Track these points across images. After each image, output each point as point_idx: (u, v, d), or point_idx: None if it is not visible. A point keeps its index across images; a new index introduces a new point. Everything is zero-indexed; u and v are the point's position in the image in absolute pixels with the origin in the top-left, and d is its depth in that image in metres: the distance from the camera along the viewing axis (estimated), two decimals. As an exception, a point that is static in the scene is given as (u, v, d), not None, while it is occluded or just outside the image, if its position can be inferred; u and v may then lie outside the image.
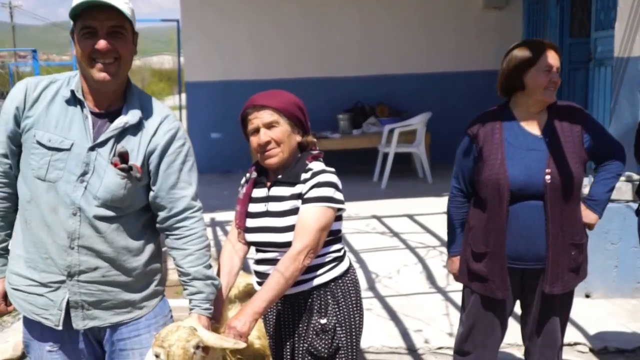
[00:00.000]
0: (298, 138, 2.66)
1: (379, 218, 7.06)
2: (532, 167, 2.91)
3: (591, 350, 4.28)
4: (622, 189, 5.08)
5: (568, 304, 3.14)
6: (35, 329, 2.40)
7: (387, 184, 8.60)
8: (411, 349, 4.32)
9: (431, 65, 9.96)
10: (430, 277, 5.37)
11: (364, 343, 4.22)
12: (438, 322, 4.55)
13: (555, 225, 2.91)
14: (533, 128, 2.98)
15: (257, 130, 2.60)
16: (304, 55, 9.94)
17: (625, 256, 4.99)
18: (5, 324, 4.95)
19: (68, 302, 2.32)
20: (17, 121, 2.31)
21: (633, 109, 5.66)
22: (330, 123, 9.28)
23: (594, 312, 4.77)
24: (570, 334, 4.34)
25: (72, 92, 2.30)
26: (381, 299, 5.03)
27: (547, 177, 2.88)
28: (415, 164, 9.29)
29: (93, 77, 2.23)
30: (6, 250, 2.45)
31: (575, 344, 4.32)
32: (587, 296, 5.03)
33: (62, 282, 2.31)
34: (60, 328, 2.32)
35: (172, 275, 5.63)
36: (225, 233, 6.25)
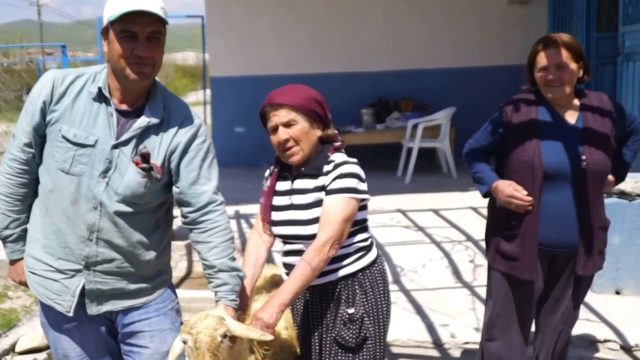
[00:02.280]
0: (318, 133, 2.66)
1: (403, 212, 7.04)
2: (568, 152, 2.96)
3: (622, 347, 4.23)
4: (654, 187, 5.05)
5: (589, 284, 3.29)
6: (51, 310, 2.49)
7: (411, 179, 8.60)
8: (437, 343, 4.31)
9: (455, 60, 9.96)
10: (456, 272, 5.35)
11: (390, 336, 4.22)
12: (464, 316, 4.53)
13: (587, 210, 3.00)
14: (568, 115, 3.04)
15: (276, 129, 2.62)
16: (328, 50, 9.97)
17: None
18: (33, 312, 5.04)
19: (82, 290, 2.41)
20: (44, 114, 2.37)
21: (663, 103, 5.60)
22: (354, 117, 9.31)
23: (625, 309, 4.72)
24: (601, 331, 4.36)
25: (100, 89, 2.35)
26: (406, 293, 5.03)
27: (584, 163, 2.94)
28: (439, 159, 9.28)
29: (127, 76, 2.29)
30: (25, 232, 2.53)
31: (606, 341, 4.28)
32: (618, 293, 4.97)
33: (79, 270, 2.41)
34: (70, 314, 2.43)
35: (197, 267, 5.68)
36: (250, 226, 6.26)
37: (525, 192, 2.98)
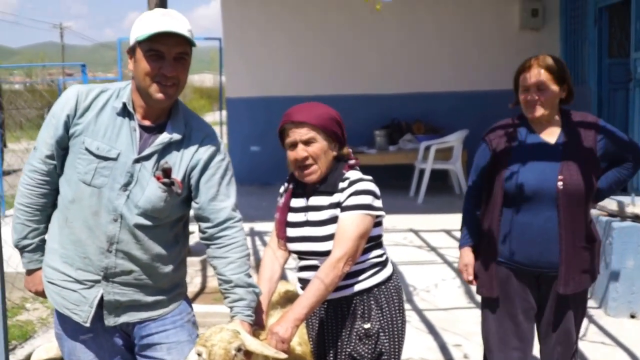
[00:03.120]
0: (334, 152, 2.70)
1: (416, 232, 7.09)
2: (545, 174, 3.02)
3: None
4: (670, 210, 5.10)
5: (581, 305, 3.23)
6: (68, 320, 2.50)
7: (423, 200, 8.66)
8: None
9: (468, 84, 10.06)
10: (469, 292, 5.37)
11: (403, 355, 4.29)
12: (477, 337, 4.45)
13: (568, 229, 3.02)
14: (547, 136, 3.10)
15: (294, 145, 2.65)
16: (342, 73, 10.10)
17: None
18: (49, 324, 5.12)
19: (100, 301, 2.43)
20: (67, 127, 2.41)
21: (673, 128, 5.66)
22: (367, 139, 9.42)
23: (639, 333, 4.74)
24: (617, 355, 4.39)
25: (124, 104, 2.40)
26: (419, 312, 5.06)
27: (560, 183, 2.98)
28: (451, 181, 9.33)
29: (151, 95, 2.35)
30: (43, 242, 2.56)
31: None
32: (633, 316, 5.01)
33: (97, 281, 2.42)
34: (88, 325, 2.44)
35: (211, 283, 5.75)
36: (264, 243, 6.33)
37: (471, 276, 3.26)
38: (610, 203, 5.23)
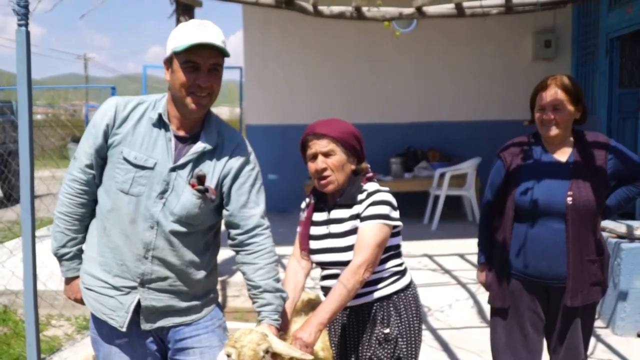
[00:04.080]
0: (353, 166, 2.84)
1: (430, 256, 7.19)
2: (555, 190, 3.12)
3: None
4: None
5: (590, 318, 3.30)
6: (104, 325, 2.58)
7: (437, 226, 8.75)
8: None
9: (482, 114, 10.15)
10: (481, 312, 5.47)
11: None
12: (489, 354, 4.65)
13: (575, 244, 3.10)
14: (559, 155, 3.20)
15: (315, 157, 2.79)
16: (359, 102, 10.21)
17: None
18: (75, 340, 5.28)
19: (138, 305, 2.52)
20: (106, 137, 2.49)
21: (682, 155, 5.77)
22: (384, 166, 9.49)
23: None
24: None
25: (160, 115, 2.49)
26: (433, 331, 5.16)
27: (569, 199, 3.08)
28: (465, 207, 9.41)
29: (187, 105, 2.43)
30: (81, 251, 2.65)
31: None
32: (639, 336, 5.08)
33: (134, 287, 2.51)
34: (124, 330, 2.52)
35: (232, 302, 5.90)
36: (282, 267, 6.48)
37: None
38: (619, 226, 5.35)
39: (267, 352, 2.37)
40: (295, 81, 10.28)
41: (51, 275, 6.06)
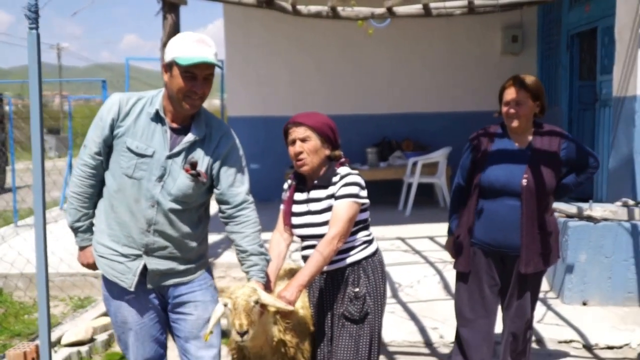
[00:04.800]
0: (327, 152, 3.27)
1: (402, 239, 7.68)
2: (513, 172, 3.63)
3: (584, 346, 4.88)
4: (618, 212, 5.75)
5: (537, 283, 3.84)
6: (114, 285, 3.01)
7: (411, 212, 9.22)
8: (428, 343, 4.95)
9: (453, 105, 10.59)
10: (447, 287, 5.99)
11: (388, 338, 4.89)
12: (452, 321, 5.02)
13: (528, 219, 3.61)
14: (520, 143, 3.71)
15: (294, 142, 3.23)
16: (337, 94, 10.57)
17: (617, 268, 5.59)
18: (76, 313, 5.66)
19: (144, 269, 2.94)
20: (112, 129, 2.87)
21: (628, 142, 6.34)
22: (360, 156, 9.92)
23: (589, 317, 5.35)
24: (566, 334, 5.02)
25: (157, 111, 2.87)
26: (403, 305, 5.65)
27: (524, 181, 3.60)
28: (436, 194, 9.89)
29: (182, 106, 2.82)
30: (91, 225, 3.05)
31: (571, 341, 4.94)
32: (585, 304, 5.63)
33: (139, 255, 2.94)
34: (132, 289, 2.95)
35: (218, 283, 6.35)
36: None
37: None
38: (570, 207, 5.89)
39: (256, 302, 2.82)
40: (276, 74, 10.57)
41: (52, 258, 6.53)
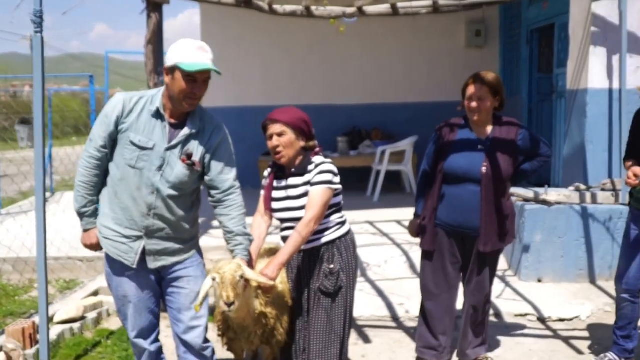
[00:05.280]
0: (302, 143, 3.57)
1: (371, 223, 8.05)
2: (474, 160, 3.98)
3: (538, 319, 5.30)
4: (571, 196, 6.22)
5: (495, 261, 4.24)
6: (116, 263, 3.33)
7: (379, 197, 9.58)
8: (395, 318, 5.32)
9: (420, 96, 10.92)
10: (413, 267, 6.38)
11: (357, 313, 5.19)
12: (417, 297, 5.25)
13: (487, 203, 3.98)
14: (480, 134, 4.06)
15: (271, 137, 3.56)
16: (308, 85, 10.85)
17: (569, 248, 6.04)
18: (66, 293, 5.91)
19: (143, 250, 3.26)
20: (117, 125, 3.17)
21: (581, 132, 6.80)
22: (331, 145, 10.19)
23: (544, 293, 5.78)
24: (523, 308, 5.44)
25: (157, 109, 3.18)
26: (371, 283, 6.02)
27: (484, 168, 3.96)
28: (403, 181, 10.26)
29: (182, 105, 3.14)
30: (96, 210, 3.36)
31: (527, 314, 5.36)
32: (539, 281, 6.07)
33: (140, 237, 3.25)
34: (134, 267, 3.28)
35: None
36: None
37: (417, 236, 4.26)
38: (528, 192, 6.34)
39: (241, 277, 3.16)
40: (250, 67, 10.79)
41: (34, 245, 6.79)
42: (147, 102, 3.24)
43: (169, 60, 3.14)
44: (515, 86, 10.12)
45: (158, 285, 3.44)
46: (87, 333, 5.06)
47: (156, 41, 5.88)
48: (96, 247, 3.43)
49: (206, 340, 3.45)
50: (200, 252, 3.54)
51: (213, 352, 3.51)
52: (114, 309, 5.37)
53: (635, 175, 3.83)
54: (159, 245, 3.30)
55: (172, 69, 3.13)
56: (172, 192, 3.23)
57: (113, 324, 5.31)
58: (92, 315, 5.24)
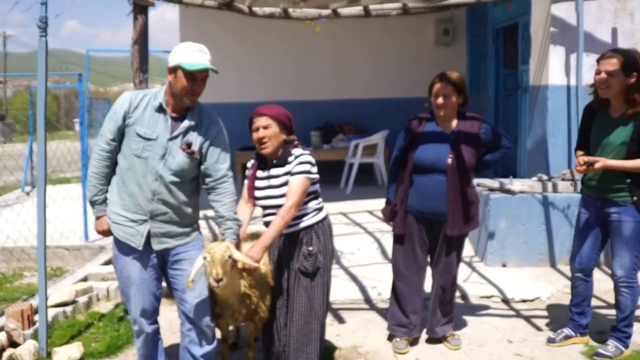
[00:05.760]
0: (284, 136, 3.88)
1: (344, 214, 8.37)
2: (440, 152, 4.30)
3: (502, 300, 5.65)
4: (534, 186, 6.57)
5: (461, 245, 4.56)
6: (123, 246, 3.61)
7: (352, 189, 9.89)
8: (368, 300, 5.61)
9: (390, 92, 11.26)
10: (384, 252, 6.70)
11: (332, 297, 5.25)
12: (388, 281, 5.37)
13: (453, 191, 4.31)
14: (446, 128, 4.39)
15: (257, 129, 3.85)
16: (282, 81, 11.12)
17: (531, 234, 6.40)
18: (56, 279, 6.10)
19: (148, 233, 3.56)
20: (124, 120, 3.49)
21: (543, 125, 7.19)
22: (304, 139, 10.30)
23: (508, 276, 6.12)
24: (488, 290, 5.78)
25: (160, 104, 3.50)
26: (345, 269, 6.31)
27: (449, 159, 4.29)
28: (375, 173, 10.58)
29: (183, 101, 3.45)
30: (106, 198, 3.66)
31: (492, 296, 5.71)
32: (504, 265, 6.42)
33: (145, 220, 3.54)
34: (140, 249, 3.57)
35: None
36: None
37: (389, 221, 4.50)
38: (494, 182, 6.71)
39: (229, 257, 3.44)
40: (227, 63, 10.87)
41: (19, 235, 7.02)
42: (151, 98, 3.55)
43: (172, 60, 3.45)
44: (482, 82, 10.48)
45: (161, 269, 3.71)
46: (79, 316, 5.29)
47: (142, 41, 6.14)
48: (107, 232, 3.70)
49: (210, 320, 3.74)
50: (201, 236, 3.82)
51: (214, 333, 3.80)
52: (104, 293, 5.70)
53: (584, 163, 4.20)
54: (163, 228, 3.58)
55: (175, 69, 3.43)
56: (174, 179, 3.52)
57: (103, 307, 5.55)
58: (83, 299, 5.47)
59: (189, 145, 3.54)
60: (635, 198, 4.16)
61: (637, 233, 4.21)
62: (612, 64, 4.10)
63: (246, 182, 4.00)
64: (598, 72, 4.17)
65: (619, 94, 4.16)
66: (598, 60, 4.21)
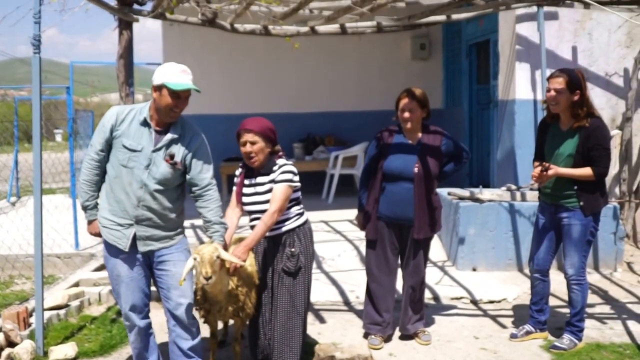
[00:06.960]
0: (269, 149, 4.21)
1: (326, 222, 8.70)
2: (407, 162, 4.66)
3: (471, 301, 6.01)
4: (503, 195, 6.94)
5: (427, 247, 4.92)
6: (112, 248, 3.89)
7: (333, 200, 10.19)
8: (346, 302, 5.95)
9: (370, 105, 11.50)
10: (362, 259, 6.77)
11: (314, 299, 5.66)
12: (365, 285, 5.73)
13: (419, 198, 4.68)
14: (412, 140, 4.75)
15: (245, 144, 4.17)
16: (266, 94, 11.35)
17: (499, 240, 6.77)
18: (51, 284, 6.36)
19: (134, 236, 3.84)
20: (112, 132, 3.79)
21: (511, 138, 7.61)
22: (287, 151, 10.01)
23: (477, 280, 6.48)
24: (458, 292, 6.13)
25: (145, 119, 3.79)
26: (326, 274, 6.65)
27: (415, 169, 4.65)
28: (356, 184, 10.58)
29: (167, 116, 3.75)
30: (97, 204, 3.96)
31: (461, 297, 6.06)
32: (474, 270, 6.78)
33: (131, 224, 3.83)
34: (127, 250, 3.85)
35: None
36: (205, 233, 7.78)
37: (362, 227, 4.84)
38: (464, 192, 7.09)
39: (217, 257, 3.79)
40: (210, 75, 11.14)
41: (13, 243, 7.29)
42: (137, 113, 3.86)
43: (157, 79, 3.76)
44: (457, 96, 10.83)
45: (148, 268, 3.99)
46: (71, 319, 5.58)
47: (127, 55, 6.43)
48: (99, 235, 4.02)
49: (192, 317, 4.03)
50: (186, 239, 4.11)
51: (198, 328, 4.09)
52: (95, 298, 5.99)
53: (537, 166, 4.62)
54: (147, 232, 3.87)
55: (160, 87, 3.75)
56: (158, 187, 3.81)
57: (95, 311, 5.84)
58: (75, 303, 5.76)
59: (172, 156, 3.82)
60: (581, 203, 4.58)
61: (584, 235, 4.62)
62: (559, 82, 4.52)
63: (235, 188, 4.32)
64: (548, 90, 4.59)
65: (566, 109, 4.58)
66: (548, 79, 4.64)
